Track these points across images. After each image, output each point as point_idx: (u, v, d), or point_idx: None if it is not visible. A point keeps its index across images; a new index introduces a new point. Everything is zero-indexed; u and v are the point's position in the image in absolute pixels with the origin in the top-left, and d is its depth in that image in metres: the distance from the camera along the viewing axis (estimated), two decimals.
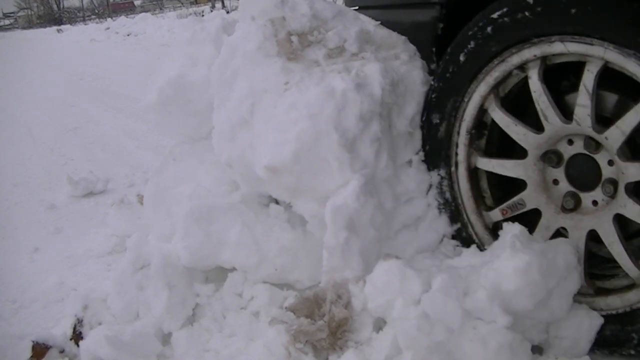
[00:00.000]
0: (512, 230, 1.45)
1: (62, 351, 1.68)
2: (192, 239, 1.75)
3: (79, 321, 1.77)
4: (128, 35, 16.20)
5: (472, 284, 1.36)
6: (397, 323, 1.35)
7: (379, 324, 1.46)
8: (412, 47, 1.80)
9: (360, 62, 1.70)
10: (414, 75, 1.73)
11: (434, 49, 1.72)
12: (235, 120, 1.75)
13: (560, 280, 1.36)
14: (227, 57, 1.84)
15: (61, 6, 56.73)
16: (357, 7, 2.14)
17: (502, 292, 1.33)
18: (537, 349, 1.41)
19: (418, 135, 1.75)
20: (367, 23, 1.82)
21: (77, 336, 1.73)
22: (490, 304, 1.31)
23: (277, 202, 1.83)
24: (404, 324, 1.31)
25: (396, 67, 1.72)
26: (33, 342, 1.68)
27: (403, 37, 1.81)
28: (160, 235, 1.96)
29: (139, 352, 1.62)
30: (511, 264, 1.34)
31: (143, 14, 24.05)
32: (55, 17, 52.38)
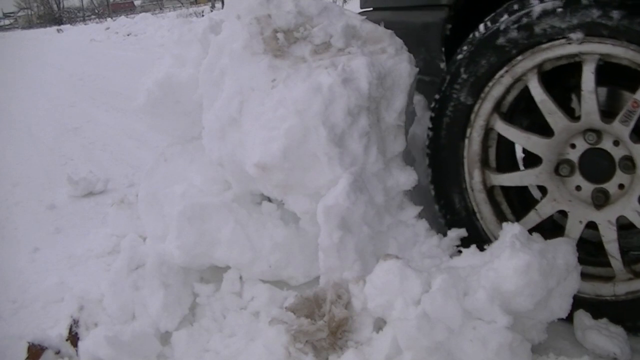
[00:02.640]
0: (511, 230, 1.45)
1: (57, 352, 1.68)
2: (185, 238, 1.75)
3: (75, 322, 1.76)
4: (128, 35, 16.22)
5: (472, 284, 1.36)
6: (397, 323, 1.34)
7: (379, 324, 1.46)
8: (399, 41, 1.80)
9: (346, 57, 1.71)
10: (401, 69, 1.74)
11: (443, 49, 1.75)
12: (224, 119, 1.75)
13: (560, 280, 1.36)
14: (214, 57, 1.84)
15: (61, 6, 56.73)
16: (371, 9, 2.15)
17: (502, 292, 1.33)
18: (536, 349, 1.41)
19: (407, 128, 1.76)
20: (353, 18, 1.82)
21: (73, 337, 1.72)
22: (490, 304, 1.31)
23: (269, 199, 1.83)
24: (404, 324, 1.31)
25: (383, 61, 1.73)
26: (29, 343, 1.68)
27: (389, 31, 1.82)
28: (154, 235, 1.96)
29: (138, 352, 1.62)
30: (511, 263, 1.34)
31: (143, 14, 24.09)
32: (55, 17, 52.39)
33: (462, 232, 1.68)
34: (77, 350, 1.68)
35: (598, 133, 1.45)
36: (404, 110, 1.76)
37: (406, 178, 1.73)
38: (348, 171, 1.60)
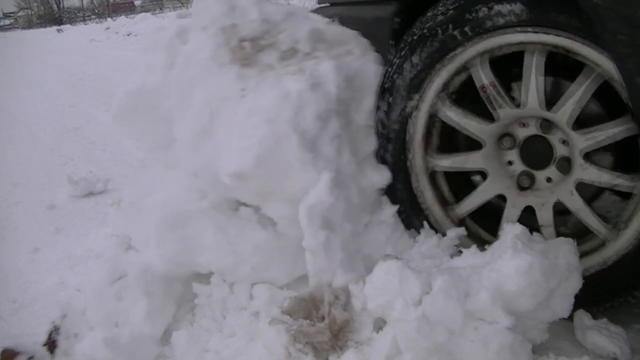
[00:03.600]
0: (513, 231, 1.45)
1: (31, 357, 1.66)
2: (167, 247, 1.75)
3: (56, 329, 1.74)
4: (128, 35, 16.22)
5: (474, 285, 1.36)
6: (396, 324, 1.34)
7: (379, 324, 1.46)
8: (364, 41, 1.82)
9: (313, 62, 1.72)
10: (368, 69, 1.75)
11: (392, 42, 1.78)
12: (196, 130, 1.75)
13: (561, 281, 1.36)
14: (183, 68, 1.84)
15: (61, 6, 56.77)
16: (328, 4, 2.19)
17: (504, 293, 1.33)
18: (537, 349, 1.41)
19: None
20: (318, 22, 1.83)
21: (51, 343, 1.70)
22: (492, 305, 1.31)
23: (246, 204, 1.83)
24: (404, 325, 1.31)
25: (350, 63, 1.74)
26: (4, 348, 1.66)
27: (354, 32, 1.83)
28: (137, 242, 1.95)
29: (136, 354, 1.62)
30: (513, 264, 1.33)
31: (143, 14, 24.09)
32: (55, 17, 52.43)
33: (462, 231, 1.69)
34: (53, 358, 1.67)
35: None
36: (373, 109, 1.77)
37: (380, 176, 1.74)
38: (327, 168, 1.62)
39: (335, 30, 1.82)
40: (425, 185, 1.71)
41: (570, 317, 1.45)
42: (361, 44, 1.80)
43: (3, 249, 2.74)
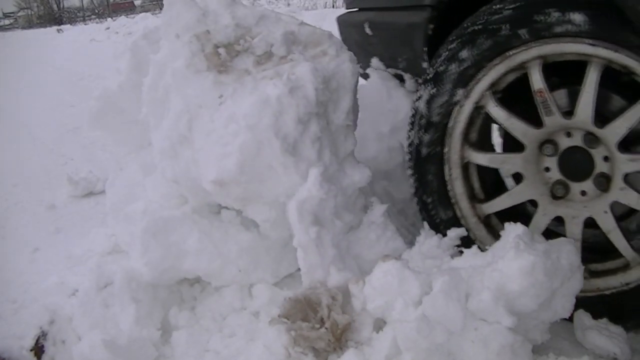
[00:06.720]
0: (515, 231, 1.45)
1: None
2: (152, 254, 1.74)
3: (43, 334, 1.74)
4: (129, 34, 16.20)
5: (476, 285, 1.36)
6: (396, 325, 1.34)
7: (379, 324, 1.46)
8: (338, 41, 1.81)
9: (289, 65, 1.72)
10: (344, 69, 1.76)
11: (425, 49, 1.75)
12: (174, 137, 1.75)
13: (564, 281, 1.36)
14: (156, 76, 1.84)
15: (61, 6, 56.76)
16: (357, 9, 2.16)
17: (506, 293, 1.33)
18: (537, 349, 1.41)
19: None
20: (291, 23, 1.82)
21: (38, 349, 1.70)
22: (495, 305, 1.31)
23: (227, 207, 1.84)
24: (404, 325, 1.31)
25: (325, 64, 1.75)
26: None
27: (327, 32, 1.82)
28: (123, 244, 1.97)
29: (135, 356, 1.62)
30: (516, 264, 1.33)
31: (143, 13, 24.02)
32: (55, 17, 52.39)
33: (462, 231, 1.68)
34: None
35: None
36: (352, 109, 1.78)
37: (360, 175, 1.75)
38: (316, 164, 1.63)
39: (308, 31, 1.81)
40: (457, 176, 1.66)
41: (570, 317, 1.45)
42: (335, 44, 1.80)
43: (3, 249, 2.74)
